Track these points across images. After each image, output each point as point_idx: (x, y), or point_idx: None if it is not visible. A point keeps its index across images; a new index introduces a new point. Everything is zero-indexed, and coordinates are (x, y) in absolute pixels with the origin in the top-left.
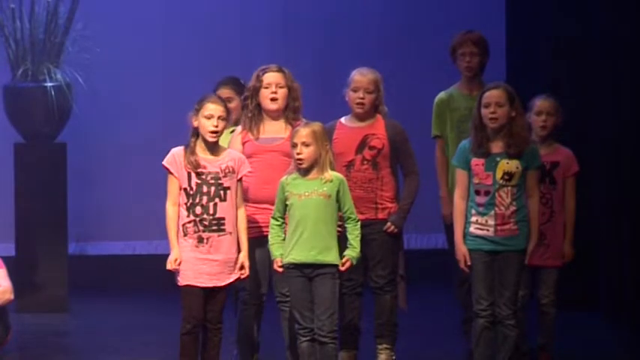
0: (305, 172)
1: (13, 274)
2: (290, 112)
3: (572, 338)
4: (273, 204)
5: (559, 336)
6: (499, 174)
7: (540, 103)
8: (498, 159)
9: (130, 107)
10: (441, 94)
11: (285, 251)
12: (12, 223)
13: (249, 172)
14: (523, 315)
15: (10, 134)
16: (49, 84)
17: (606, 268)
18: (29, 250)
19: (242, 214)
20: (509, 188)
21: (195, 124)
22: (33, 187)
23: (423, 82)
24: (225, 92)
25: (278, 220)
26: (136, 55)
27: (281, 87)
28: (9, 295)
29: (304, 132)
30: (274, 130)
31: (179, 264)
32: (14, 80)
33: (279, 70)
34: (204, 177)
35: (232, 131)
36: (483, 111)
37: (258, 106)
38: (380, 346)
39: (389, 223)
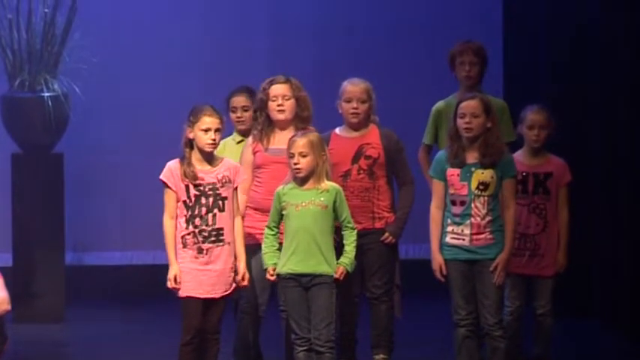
0: (302, 181)
1: (10, 284)
2: (299, 122)
3: (568, 346)
4: None
5: (556, 344)
6: (474, 184)
7: (532, 117)
8: (473, 169)
9: (128, 117)
10: (439, 103)
11: (281, 261)
12: (9, 233)
13: (258, 182)
14: (518, 325)
15: (8, 144)
16: (46, 94)
17: (602, 275)
18: (26, 259)
19: (239, 223)
20: (485, 198)
21: (191, 135)
22: (30, 197)
23: (418, 90)
24: (241, 100)
25: (273, 230)
26: (134, 65)
27: (287, 99)
28: (6, 306)
29: (301, 142)
30: (283, 140)
31: (179, 282)
32: (11, 90)
33: (286, 82)
34: (202, 188)
35: (239, 141)
36: (459, 121)
37: (268, 117)
38: (376, 356)
39: (387, 234)
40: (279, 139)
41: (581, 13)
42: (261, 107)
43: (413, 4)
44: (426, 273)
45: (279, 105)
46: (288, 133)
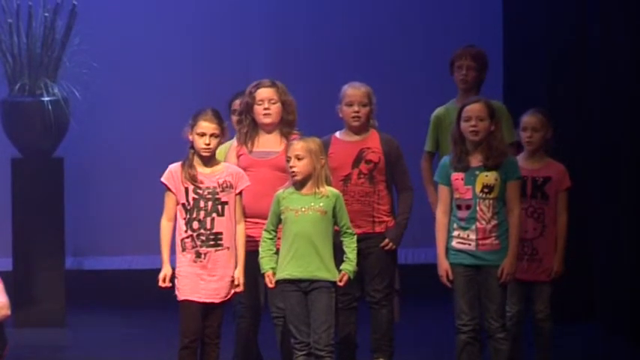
0: (300, 186)
1: (10, 289)
2: (284, 126)
3: (569, 351)
4: (266, 218)
5: (557, 348)
6: (478, 187)
7: (526, 119)
8: (477, 172)
9: (127, 122)
10: (438, 110)
11: (280, 266)
12: (9, 238)
13: None
14: (519, 330)
15: (7, 149)
16: (46, 98)
17: (602, 279)
18: (26, 264)
19: (241, 229)
20: (489, 201)
21: (190, 138)
22: (30, 201)
23: (419, 96)
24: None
25: (270, 234)
26: (133, 70)
27: (274, 102)
28: (6, 311)
29: (298, 146)
30: (269, 143)
31: (170, 279)
32: (11, 95)
33: (272, 85)
34: (201, 192)
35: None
36: (463, 125)
37: (253, 121)
38: None
39: (387, 240)
40: (264, 143)
41: (581, 16)
42: (246, 111)
43: (413, 7)
44: (425, 277)
45: (265, 109)
46: (274, 137)
